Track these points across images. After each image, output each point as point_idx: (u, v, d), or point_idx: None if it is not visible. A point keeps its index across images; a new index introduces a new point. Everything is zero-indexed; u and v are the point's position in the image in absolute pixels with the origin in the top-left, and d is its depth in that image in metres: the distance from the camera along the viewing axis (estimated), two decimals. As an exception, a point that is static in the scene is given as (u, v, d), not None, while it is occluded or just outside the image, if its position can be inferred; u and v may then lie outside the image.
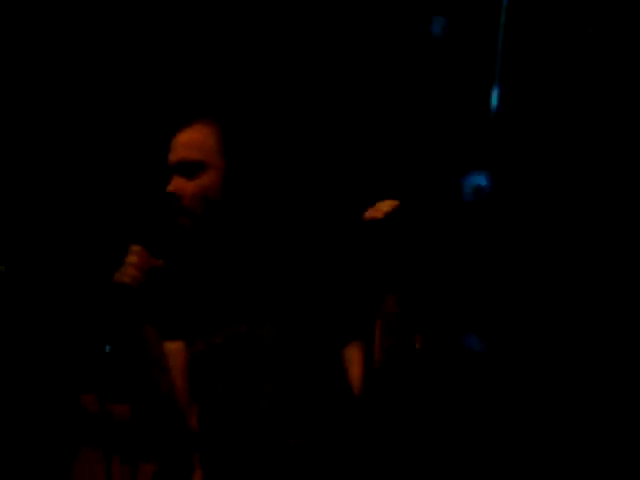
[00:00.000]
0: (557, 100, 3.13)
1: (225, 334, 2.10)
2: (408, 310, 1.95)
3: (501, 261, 3.09)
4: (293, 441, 2.02)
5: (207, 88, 3.25)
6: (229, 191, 2.11)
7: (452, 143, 3.17)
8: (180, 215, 2.11)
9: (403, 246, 1.90)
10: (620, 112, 3.06)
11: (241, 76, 3.28)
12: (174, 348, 2.14)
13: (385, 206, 1.92)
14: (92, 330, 2.86)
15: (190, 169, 2.11)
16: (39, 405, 3.11)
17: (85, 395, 2.88)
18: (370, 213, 1.93)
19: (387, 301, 1.94)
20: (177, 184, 2.12)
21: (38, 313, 3.11)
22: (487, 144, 3.11)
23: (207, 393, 2.11)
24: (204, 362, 2.12)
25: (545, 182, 3.12)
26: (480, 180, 3.10)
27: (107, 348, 2.09)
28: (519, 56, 3.13)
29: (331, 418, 2.06)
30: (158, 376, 2.09)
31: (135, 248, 2.08)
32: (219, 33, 3.32)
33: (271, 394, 2.04)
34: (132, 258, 2.06)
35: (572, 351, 3.08)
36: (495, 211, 3.08)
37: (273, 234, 2.18)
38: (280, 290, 2.10)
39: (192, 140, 2.13)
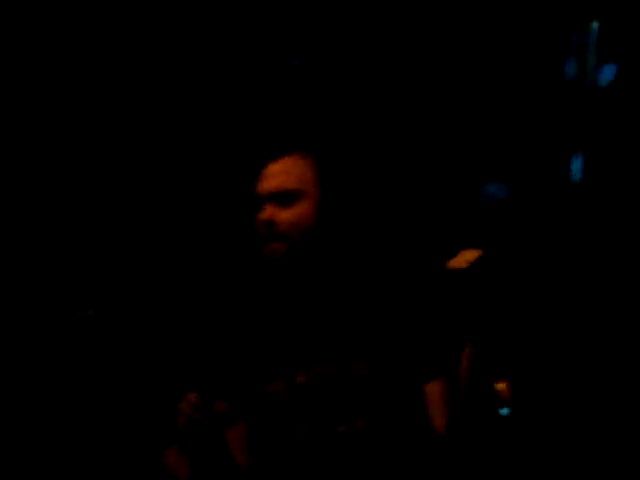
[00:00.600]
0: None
1: (309, 373, 2.11)
2: (489, 355, 1.99)
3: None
4: None
5: (300, 119, 3.24)
6: (323, 221, 2.15)
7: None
8: (274, 240, 2.14)
9: (486, 294, 1.95)
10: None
11: (335, 109, 3.26)
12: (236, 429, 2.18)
13: (469, 255, 1.96)
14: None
15: (287, 198, 2.15)
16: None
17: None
18: (454, 263, 1.97)
19: (470, 345, 1.99)
20: (272, 212, 2.15)
21: (127, 356, 3.15)
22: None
23: (287, 433, 2.11)
24: (284, 402, 2.12)
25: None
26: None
27: None
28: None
29: (419, 457, 2.08)
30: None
31: (190, 397, 2.11)
32: (311, 66, 3.31)
33: (364, 432, 2.05)
34: (183, 406, 2.11)
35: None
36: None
37: (363, 266, 2.20)
38: (367, 327, 2.11)
39: (289, 169, 2.17)
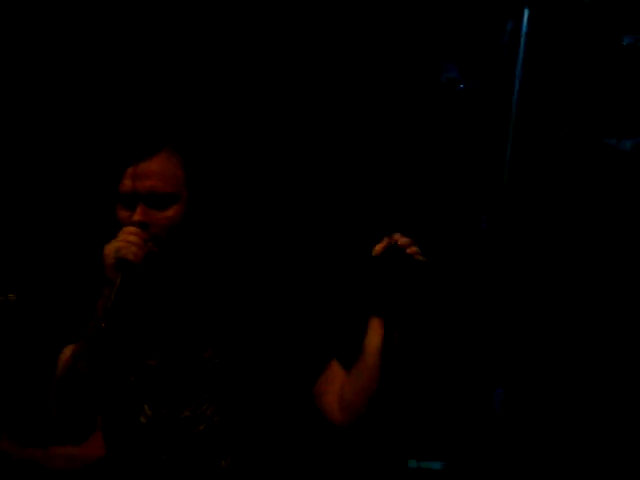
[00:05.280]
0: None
1: (163, 356, 2.12)
2: (396, 333, 1.99)
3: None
4: (224, 462, 2.07)
5: (165, 116, 3.23)
6: (191, 220, 2.10)
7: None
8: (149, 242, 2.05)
9: (394, 279, 1.95)
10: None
11: (199, 104, 3.29)
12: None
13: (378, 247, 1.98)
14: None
15: (162, 201, 2.08)
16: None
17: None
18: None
19: (372, 324, 2.00)
20: (146, 214, 2.06)
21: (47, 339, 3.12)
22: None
23: (133, 413, 2.11)
24: (136, 382, 2.12)
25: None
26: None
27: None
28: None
29: (276, 439, 2.10)
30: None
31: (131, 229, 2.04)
32: (181, 61, 3.35)
33: (210, 418, 2.07)
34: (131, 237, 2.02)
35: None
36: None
37: (229, 260, 2.20)
38: (230, 315, 2.13)
39: (163, 171, 2.09)
